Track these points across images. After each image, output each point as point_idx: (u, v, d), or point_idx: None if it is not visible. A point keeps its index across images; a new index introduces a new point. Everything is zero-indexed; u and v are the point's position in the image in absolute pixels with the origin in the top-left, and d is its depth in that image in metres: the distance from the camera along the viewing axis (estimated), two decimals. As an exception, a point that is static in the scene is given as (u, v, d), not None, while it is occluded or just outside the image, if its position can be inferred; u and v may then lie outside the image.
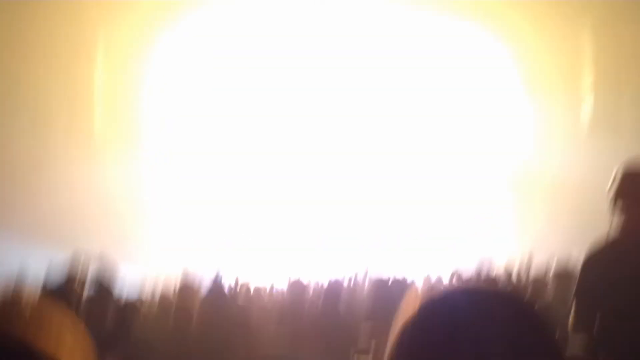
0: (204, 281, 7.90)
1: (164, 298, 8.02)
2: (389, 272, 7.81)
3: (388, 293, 6.26)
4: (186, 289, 8.54)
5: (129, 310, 6.60)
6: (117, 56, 15.21)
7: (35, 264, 7.98)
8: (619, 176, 3.59)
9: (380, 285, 6.57)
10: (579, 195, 15.32)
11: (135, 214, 14.22)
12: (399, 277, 7.44)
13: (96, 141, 14.94)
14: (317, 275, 9.41)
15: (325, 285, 7.81)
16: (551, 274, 7.23)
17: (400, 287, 6.67)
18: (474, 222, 15.77)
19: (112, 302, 6.29)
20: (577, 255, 3.72)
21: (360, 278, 9.96)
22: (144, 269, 10.26)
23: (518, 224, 17.30)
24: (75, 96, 15.21)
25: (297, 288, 7.89)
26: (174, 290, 7.90)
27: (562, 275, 6.78)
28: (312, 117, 15.56)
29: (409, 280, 8.13)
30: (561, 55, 18.58)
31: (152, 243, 14.23)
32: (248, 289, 8.95)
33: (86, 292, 6.54)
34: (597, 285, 3.31)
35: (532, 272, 8.39)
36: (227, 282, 8.64)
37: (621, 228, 3.49)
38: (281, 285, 9.06)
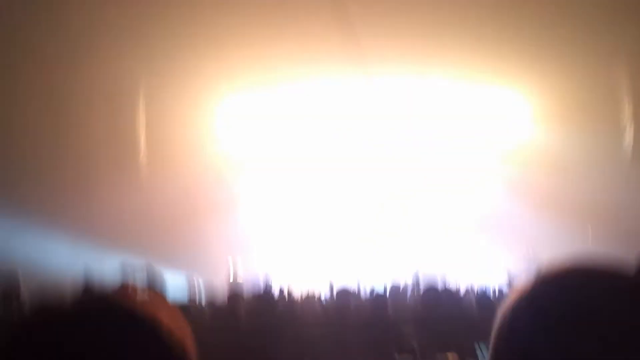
0: (253, 286, 8.06)
1: (212, 303, 8.16)
2: (439, 280, 7.80)
3: (438, 301, 6.28)
4: (234, 294, 8.71)
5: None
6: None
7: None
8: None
9: (431, 294, 6.58)
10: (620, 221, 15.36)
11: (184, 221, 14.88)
12: (450, 286, 7.43)
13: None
14: (365, 280, 9.57)
15: (374, 291, 7.85)
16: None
17: (449, 296, 6.68)
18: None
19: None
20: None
21: (409, 285, 10.00)
22: (193, 274, 10.54)
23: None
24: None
25: (343, 295, 7.98)
26: (224, 295, 8.06)
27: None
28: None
29: (458, 289, 8.16)
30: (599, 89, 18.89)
31: (201, 249, 14.88)
32: (296, 294, 9.04)
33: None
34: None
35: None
36: (275, 287, 8.78)
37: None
38: (328, 291, 9.13)
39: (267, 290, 8.19)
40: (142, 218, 14.38)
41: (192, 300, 8.66)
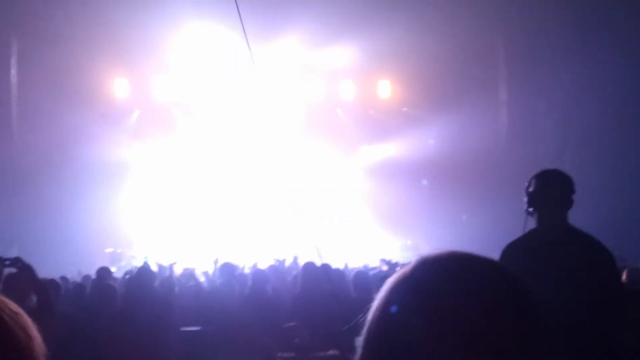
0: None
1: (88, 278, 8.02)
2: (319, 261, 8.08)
3: (316, 275, 6.49)
4: (105, 270, 8.59)
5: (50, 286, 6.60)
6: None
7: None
8: (532, 182, 3.93)
9: (309, 269, 6.78)
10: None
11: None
12: (327, 262, 7.72)
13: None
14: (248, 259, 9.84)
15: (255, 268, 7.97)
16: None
17: (328, 273, 6.92)
18: None
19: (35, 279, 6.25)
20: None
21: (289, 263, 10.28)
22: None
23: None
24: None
25: (228, 269, 8.07)
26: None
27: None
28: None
29: (335, 266, 8.48)
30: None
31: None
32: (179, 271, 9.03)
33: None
34: (515, 267, 3.64)
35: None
36: (159, 266, 8.81)
37: (537, 225, 3.85)
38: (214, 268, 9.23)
39: (145, 267, 8.16)
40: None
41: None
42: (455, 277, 0.97)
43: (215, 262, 9.21)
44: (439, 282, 0.97)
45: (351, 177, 22.04)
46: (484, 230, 16.09)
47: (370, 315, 1.02)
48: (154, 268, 8.92)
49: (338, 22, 18.84)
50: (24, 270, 5.90)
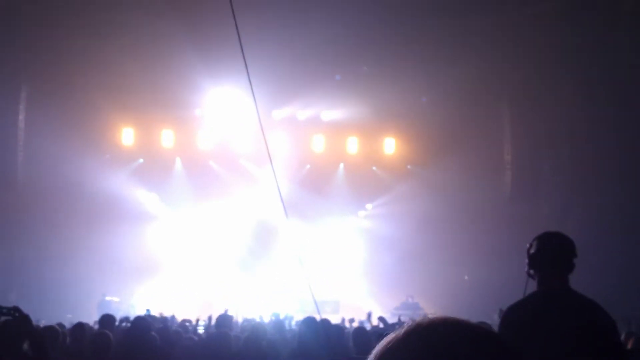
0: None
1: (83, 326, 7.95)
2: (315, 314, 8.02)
3: (315, 330, 6.43)
4: (107, 318, 8.51)
5: (49, 334, 6.55)
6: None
7: None
8: (534, 244, 3.92)
9: (308, 323, 6.73)
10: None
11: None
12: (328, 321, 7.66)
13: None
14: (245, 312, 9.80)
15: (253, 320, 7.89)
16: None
17: (326, 326, 6.87)
18: None
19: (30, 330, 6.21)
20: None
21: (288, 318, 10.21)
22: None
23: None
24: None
25: (224, 321, 8.00)
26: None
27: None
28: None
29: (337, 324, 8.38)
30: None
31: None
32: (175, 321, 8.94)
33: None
34: (516, 331, 3.62)
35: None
36: (154, 316, 8.74)
37: (538, 287, 3.82)
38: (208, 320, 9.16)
39: (142, 316, 8.10)
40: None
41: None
42: (447, 346, 0.96)
43: (210, 319, 9.17)
44: (431, 349, 0.96)
45: (354, 233, 22.08)
46: (485, 290, 15.99)
47: None
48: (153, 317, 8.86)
49: (347, 82, 19.19)
50: (20, 320, 5.88)
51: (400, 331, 1.01)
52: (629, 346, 6.34)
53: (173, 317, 8.94)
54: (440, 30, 17.89)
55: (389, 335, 1.02)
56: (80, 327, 7.84)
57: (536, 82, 19.04)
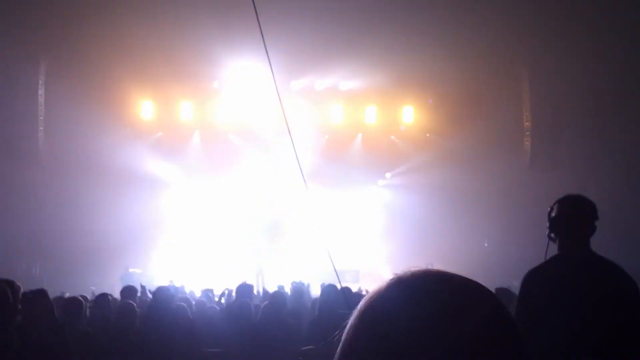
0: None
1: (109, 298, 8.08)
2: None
3: (335, 298, 6.47)
4: (129, 289, 8.63)
5: (72, 304, 6.65)
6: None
7: None
8: (555, 208, 3.87)
9: (328, 292, 6.75)
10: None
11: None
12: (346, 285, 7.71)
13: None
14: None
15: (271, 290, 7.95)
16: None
17: (346, 294, 6.91)
18: None
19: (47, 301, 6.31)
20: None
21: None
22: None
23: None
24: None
25: (245, 291, 8.07)
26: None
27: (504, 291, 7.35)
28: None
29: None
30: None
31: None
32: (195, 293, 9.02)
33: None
34: (535, 296, 3.60)
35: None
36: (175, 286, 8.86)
37: (558, 251, 3.79)
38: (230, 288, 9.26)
39: (164, 287, 8.20)
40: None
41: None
42: (428, 299, 0.95)
43: (229, 292, 9.26)
44: (411, 303, 0.95)
45: (373, 203, 22.11)
46: (505, 257, 15.97)
47: (344, 334, 1.00)
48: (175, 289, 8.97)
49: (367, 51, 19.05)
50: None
51: (381, 287, 1.00)
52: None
53: (182, 287, 9.08)
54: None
55: (369, 292, 1.02)
56: (103, 297, 7.97)
57: (555, 46, 18.74)
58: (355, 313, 1.00)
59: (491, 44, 18.75)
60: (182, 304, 7.76)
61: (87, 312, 7.62)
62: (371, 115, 22.05)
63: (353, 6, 18.13)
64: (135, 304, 7.06)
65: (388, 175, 22.40)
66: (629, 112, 18.03)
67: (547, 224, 3.92)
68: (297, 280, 11.65)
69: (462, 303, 0.94)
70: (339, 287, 6.68)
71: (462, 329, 0.91)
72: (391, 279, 1.00)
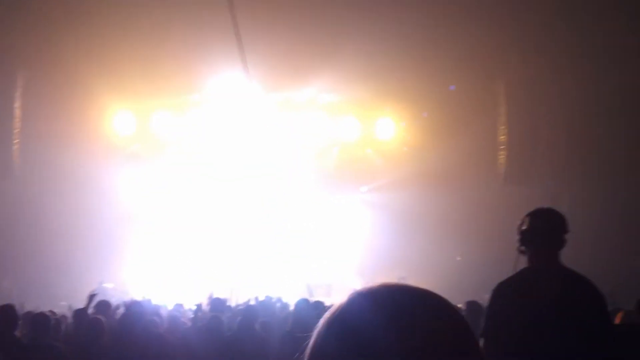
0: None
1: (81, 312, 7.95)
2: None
3: (307, 312, 6.42)
4: (103, 304, 8.51)
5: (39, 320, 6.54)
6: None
7: None
8: (526, 221, 3.88)
9: (301, 306, 6.70)
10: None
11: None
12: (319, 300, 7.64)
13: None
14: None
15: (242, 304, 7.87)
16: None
17: (318, 308, 6.86)
18: None
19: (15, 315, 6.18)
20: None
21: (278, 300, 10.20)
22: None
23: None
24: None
25: (218, 304, 7.99)
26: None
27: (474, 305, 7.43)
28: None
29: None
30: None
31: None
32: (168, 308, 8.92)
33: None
34: (502, 306, 3.60)
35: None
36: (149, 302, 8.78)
37: (528, 264, 3.79)
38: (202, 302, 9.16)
39: (136, 301, 8.10)
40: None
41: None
42: (387, 312, 0.99)
43: (210, 297, 9.17)
44: (371, 316, 0.99)
45: (349, 214, 22.10)
46: (477, 271, 16.02)
47: (307, 350, 1.04)
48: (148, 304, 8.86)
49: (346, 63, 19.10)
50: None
51: (342, 302, 1.05)
52: (617, 321, 6.35)
53: (149, 301, 9.02)
54: (436, 10, 17.79)
55: (331, 308, 1.07)
56: (80, 313, 7.84)
57: (532, 61, 18.95)
58: (322, 322, 1.04)
59: (469, 58, 18.89)
60: (154, 318, 7.66)
61: (63, 326, 7.49)
62: (349, 127, 22.03)
63: (331, 19, 18.20)
64: (102, 319, 6.94)
65: (363, 189, 22.38)
66: (604, 126, 18.24)
67: (518, 237, 3.93)
68: (269, 294, 11.57)
69: (414, 311, 0.99)
70: (311, 300, 6.66)
71: (415, 334, 0.95)
72: (352, 293, 1.05)
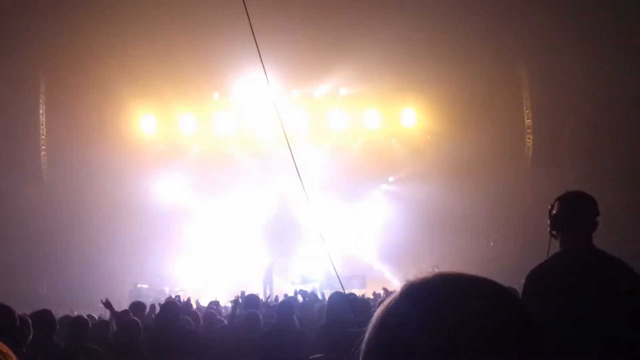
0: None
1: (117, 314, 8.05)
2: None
3: (341, 305, 6.44)
4: (138, 305, 8.61)
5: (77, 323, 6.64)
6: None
7: None
8: (556, 205, 3.84)
9: (334, 299, 6.71)
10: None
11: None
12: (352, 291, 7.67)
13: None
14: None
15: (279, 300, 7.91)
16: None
17: (352, 301, 6.88)
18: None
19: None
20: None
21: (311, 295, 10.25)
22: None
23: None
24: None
25: (252, 301, 8.05)
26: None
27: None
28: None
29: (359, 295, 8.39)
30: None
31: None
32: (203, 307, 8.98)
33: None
34: (539, 292, 3.57)
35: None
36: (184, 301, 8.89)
37: (561, 248, 3.76)
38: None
39: (171, 301, 8.18)
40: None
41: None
42: (447, 298, 0.95)
43: (242, 295, 9.23)
44: (431, 302, 0.95)
45: (377, 207, 22.06)
46: (511, 256, 15.91)
47: (363, 345, 1.00)
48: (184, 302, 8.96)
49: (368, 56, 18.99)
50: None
51: (396, 293, 1.01)
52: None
53: (189, 300, 9.12)
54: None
55: (386, 299, 1.02)
56: (116, 316, 7.94)
57: (554, 45, 18.72)
58: (372, 324, 1.00)
59: (491, 44, 18.74)
60: (188, 318, 7.73)
61: (113, 327, 7.62)
62: (371, 119, 22.00)
63: (350, 10, 18.17)
64: (139, 321, 7.03)
65: (391, 179, 22.34)
66: (629, 109, 18.00)
67: (548, 221, 3.89)
68: (304, 289, 11.62)
69: (474, 299, 0.94)
70: (344, 293, 6.67)
71: (480, 331, 0.91)
72: (404, 286, 1.00)
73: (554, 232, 3.84)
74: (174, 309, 7.49)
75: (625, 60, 17.60)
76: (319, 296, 11.27)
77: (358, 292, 10.50)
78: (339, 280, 6.17)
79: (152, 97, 21.13)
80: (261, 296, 12.04)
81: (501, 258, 17.05)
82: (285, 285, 18.70)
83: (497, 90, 20.21)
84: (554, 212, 3.83)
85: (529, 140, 20.97)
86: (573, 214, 3.77)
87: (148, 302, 9.78)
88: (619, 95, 18.05)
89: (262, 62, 4.98)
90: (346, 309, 6.39)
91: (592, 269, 3.62)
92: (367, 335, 1.00)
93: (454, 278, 0.98)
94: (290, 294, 11.65)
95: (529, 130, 21.04)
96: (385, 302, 1.01)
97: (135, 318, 7.23)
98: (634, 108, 17.83)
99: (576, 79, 18.82)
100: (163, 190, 21.66)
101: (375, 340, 0.97)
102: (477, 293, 0.96)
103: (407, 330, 0.94)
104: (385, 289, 9.67)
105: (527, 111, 21.02)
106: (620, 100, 18.07)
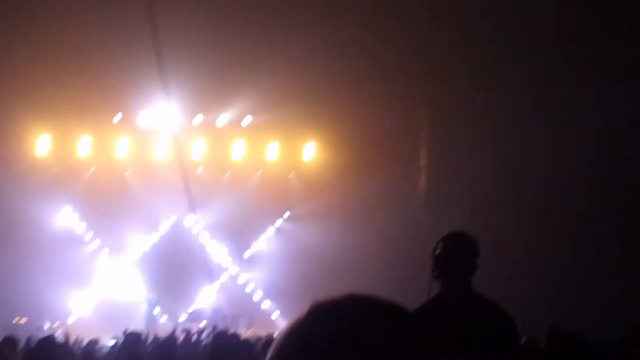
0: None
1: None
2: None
3: (227, 345, 6.25)
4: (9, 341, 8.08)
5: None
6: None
7: None
8: (439, 245, 3.88)
9: (218, 338, 6.51)
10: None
11: None
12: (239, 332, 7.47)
13: None
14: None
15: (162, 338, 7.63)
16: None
17: (238, 342, 6.68)
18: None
19: None
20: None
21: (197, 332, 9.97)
22: None
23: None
24: None
25: (133, 339, 7.71)
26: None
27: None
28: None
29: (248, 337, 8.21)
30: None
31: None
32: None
33: None
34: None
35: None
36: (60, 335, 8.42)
37: (441, 288, 3.79)
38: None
39: (48, 338, 7.76)
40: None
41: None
42: (354, 328, 0.93)
43: (124, 333, 8.85)
44: (335, 333, 0.92)
45: (271, 242, 21.91)
46: (395, 297, 16.07)
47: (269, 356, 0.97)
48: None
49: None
50: None
51: (300, 315, 0.99)
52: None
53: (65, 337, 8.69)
54: (361, 32, 17.97)
55: (288, 322, 1.01)
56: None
57: (455, 86, 19.34)
58: (279, 337, 0.98)
59: (395, 82, 19.10)
60: (64, 356, 7.31)
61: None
62: (273, 150, 21.85)
63: (260, 38, 18.18)
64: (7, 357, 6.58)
65: (286, 214, 22.20)
66: (522, 148, 18.77)
67: (431, 262, 3.91)
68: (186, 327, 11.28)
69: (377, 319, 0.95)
70: (229, 335, 6.51)
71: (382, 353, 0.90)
72: (310, 306, 0.99)
73: (435, 272, 3.86)
74: (50, 346, 7.07)
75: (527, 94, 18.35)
76: (204, 335, 11.00)
77: (244, 332, 10.26)
78: (226, 320, 5.99)
79: (50, 117, 20.26)
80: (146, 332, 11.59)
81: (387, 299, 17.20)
82: (171, 322, 18.15)
83: (398, 129, 20.62)
84: (437, 252, 3.86)
85: (423, 181, 21.40)
86: (454, 255, 3.81)
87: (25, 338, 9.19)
88: (516, 133, 18.76)
89: (165, 88, 4.83)
90: (229, 349, 6.21)
91: (468, 313, 3.66)
92: (271, 351, 0.97)
93: (361, 299, 0.98)
94: (177, 331, 11.28)
95: (422, 170, 21.47)
96: (290, 323, 0.99)
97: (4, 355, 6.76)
98: (526, 147, 18.55)
99: (476, 124, 19.37)
100: (52, 215, 20.67)
101: (281, 353, 0.95)
102: (384, 314, 0.96)
103: (314, 350, 0.91)
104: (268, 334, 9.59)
105: (423, 151, 21.47)
106: (516, 139, 18.79)
